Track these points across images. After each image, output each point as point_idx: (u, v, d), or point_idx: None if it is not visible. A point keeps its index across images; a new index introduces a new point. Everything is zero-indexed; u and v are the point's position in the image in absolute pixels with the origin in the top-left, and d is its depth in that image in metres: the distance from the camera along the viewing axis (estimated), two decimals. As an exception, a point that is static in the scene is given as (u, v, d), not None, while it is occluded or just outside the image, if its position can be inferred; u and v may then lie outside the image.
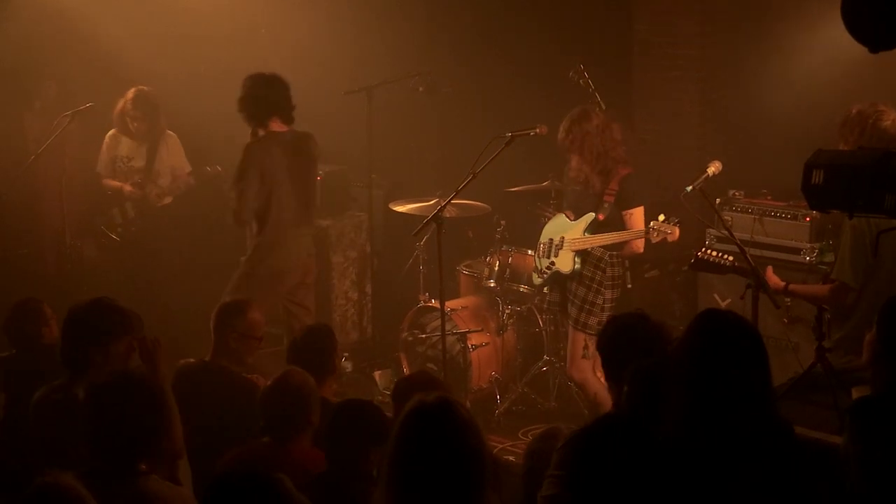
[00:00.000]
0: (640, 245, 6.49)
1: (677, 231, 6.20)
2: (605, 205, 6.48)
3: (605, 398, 6.02)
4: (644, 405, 3.80)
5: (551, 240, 6.72)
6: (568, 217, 6.69)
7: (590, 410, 6.55)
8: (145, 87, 8.21)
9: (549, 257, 6.72)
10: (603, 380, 6.23)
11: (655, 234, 6.21)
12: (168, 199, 8.29)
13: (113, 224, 8.29)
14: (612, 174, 6.46)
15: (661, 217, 6.22)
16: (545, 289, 6.87)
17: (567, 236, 6.61)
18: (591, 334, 6.35)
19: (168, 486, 3.99)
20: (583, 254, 6.54)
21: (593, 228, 6.51)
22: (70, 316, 4.77)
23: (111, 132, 8.33)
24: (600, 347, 4.51)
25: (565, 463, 3.71)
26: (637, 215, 6.47)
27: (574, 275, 6.57)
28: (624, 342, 4.37)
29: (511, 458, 6.48)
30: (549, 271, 6.73)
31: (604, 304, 6.52)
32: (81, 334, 4.68)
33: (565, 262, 6.60)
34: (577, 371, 6.54)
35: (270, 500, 3.24)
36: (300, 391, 4.53)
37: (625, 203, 6.48)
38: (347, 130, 8.67)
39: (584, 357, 6.47)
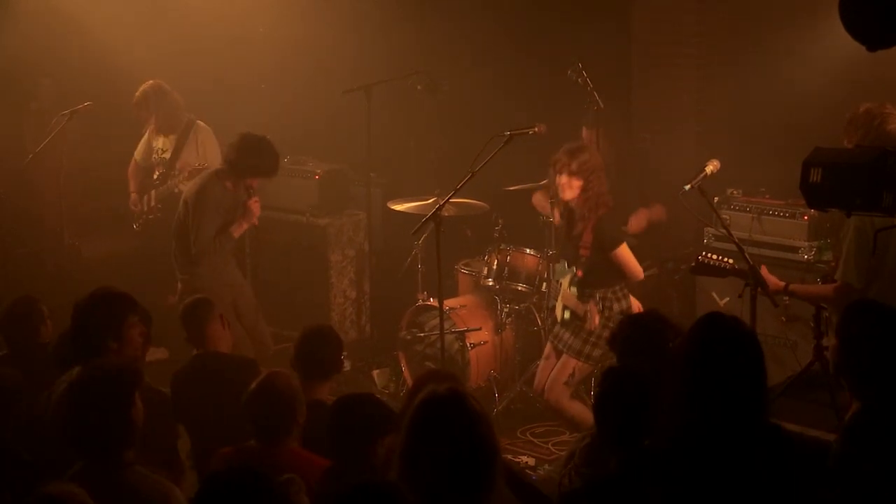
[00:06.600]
0: (639, 273, 6.39)
1: (597, 316, 6.24)
2: (582, 259, 6.33)
3: (585, 417, 6.03)
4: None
5: (560, 282, 6.59)
6: (564, 264, 6.57)
7: (570, 430, 6.53)
8: (148, 84, 8.06)
9: (555, 298, 6.68)
10: (575, 404, 6.29)
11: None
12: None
13: (139, 212, 8.19)
14: (588, 220, 6.31)
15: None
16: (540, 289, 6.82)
17: (563, 286, 6.50)
18: (591, 364, 6.35)
19: (153, 478, 3.97)
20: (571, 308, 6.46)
21: (577, 285, 6.37)
22: (79, 308, 4.82)
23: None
24: (614, 346, 4.51)
25: (590, 461, 3.93)
26: (623, 253, 6.33)
27: (564, 324, 6.45)
28: (640, 342, 4.37)
29: (509, 456, 6.47)
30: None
31: None
32: (93, 323, 4.76)
33: (559, 310, 6.52)
34: (555, 395, 6.41)
35: (264, 497, 3.25)
36: (285, 394, 4.47)
37: (606, 247, 6.31)
38: (346, 129, 8.68)
39: (566, 384, 6.38)
